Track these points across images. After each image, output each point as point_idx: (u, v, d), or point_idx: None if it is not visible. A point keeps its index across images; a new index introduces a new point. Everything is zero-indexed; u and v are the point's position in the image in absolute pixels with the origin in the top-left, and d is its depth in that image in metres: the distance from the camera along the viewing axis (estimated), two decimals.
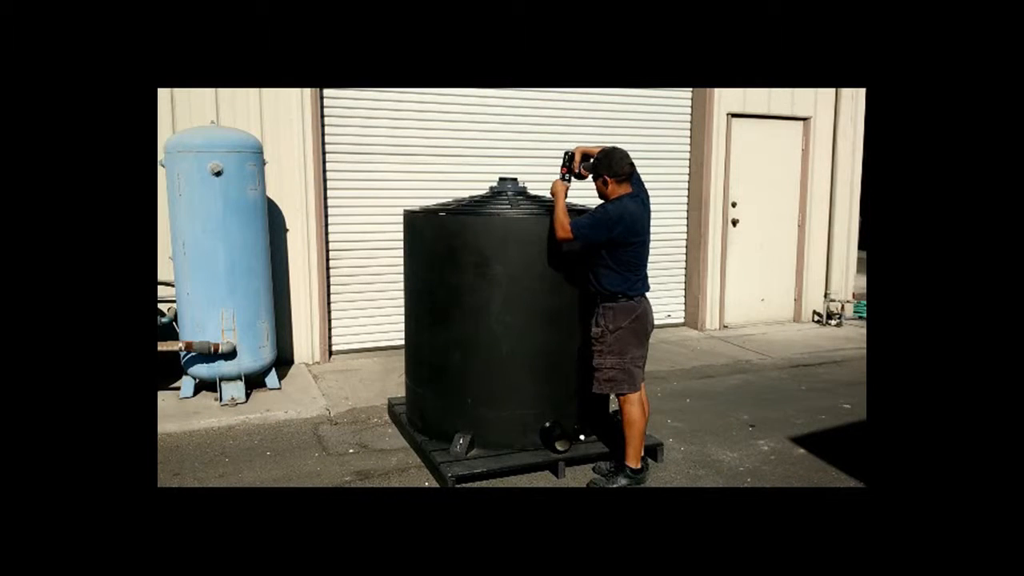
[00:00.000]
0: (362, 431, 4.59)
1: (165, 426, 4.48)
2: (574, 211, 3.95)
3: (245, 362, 4.94)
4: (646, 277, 3.68)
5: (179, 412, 4.74)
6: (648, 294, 3.70)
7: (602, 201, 3.66)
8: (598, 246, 3.56)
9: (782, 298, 7.83)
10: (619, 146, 3.71)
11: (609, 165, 3.57)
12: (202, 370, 4.91)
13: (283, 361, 5.75)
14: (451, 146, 6.39)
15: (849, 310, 7.94)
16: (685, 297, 7.57)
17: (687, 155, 7.38)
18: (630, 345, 3.61)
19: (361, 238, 6.20)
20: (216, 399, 4.92)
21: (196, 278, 4.80)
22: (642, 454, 3.73)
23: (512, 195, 4.12)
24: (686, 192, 7.44)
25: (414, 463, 4.08)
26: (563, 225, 3.57)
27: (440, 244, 3.95)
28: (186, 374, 5.01)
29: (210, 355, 4.82)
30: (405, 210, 4.30)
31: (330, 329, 6.20)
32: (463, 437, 3.90)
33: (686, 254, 7.52)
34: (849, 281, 8.07)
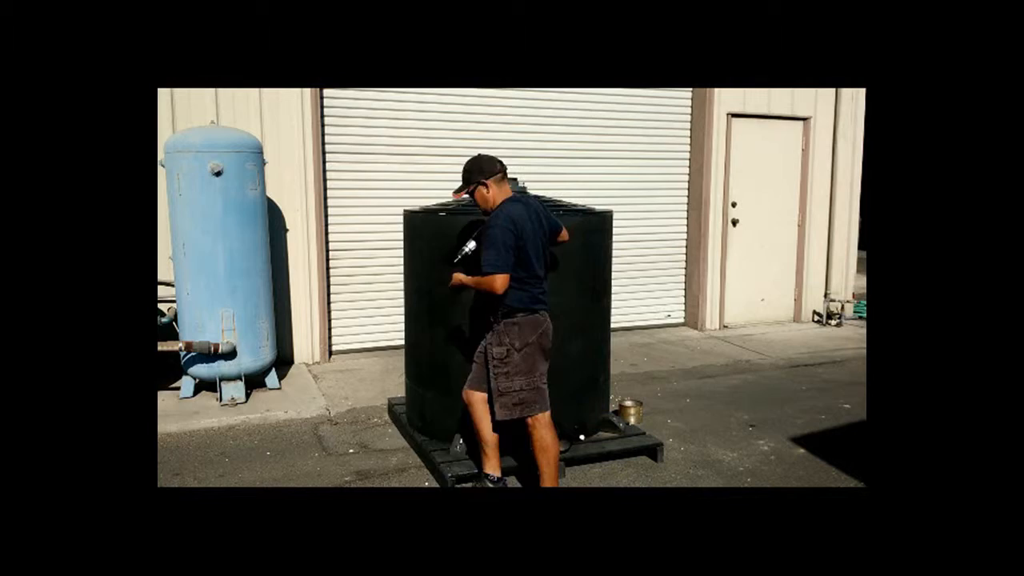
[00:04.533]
0: (362, 431, 4.59)
1: (165, 426, 4.48)
2: (565, 210, 3.96)
3: (245, 362, 4.94)
4: (547, 292, 3.39)
5: (179, 412, 4.74)
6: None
7: (487, 215, 3.34)
8: (516, 262, 3.21)
9: (782, 298, 7.84)
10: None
11: (480, 169, 3.32)
12: (202, 370, 4.91)
13: (283, 361, 5.75)
14: (451, 146, 6.39)
15: (849, 310, 7.95)
16: (685, 297, 7.57)
17: (687, 155, 7.38)
18: (538, 362, 3.35)
19: (361, 238, 6.21)
20: (216, 399, 4.93)
21: (196, 278, 4.80)
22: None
23: None
24: (686, 192, 7.44)
25: (414, 463, 4.08)
26: (480, 281, 3.22)
27: (440, 244, 3.95)
28: (186, 374, 5.01)
29: (210, 355, 4.82)
30: (405, 210, 4.30)
31: (330, 329, 6.20)
32: (463, 437, 3.90)
33: (686, 254, 7.52)
34: (849, 281, 8.07)
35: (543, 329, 3.35)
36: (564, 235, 3.56)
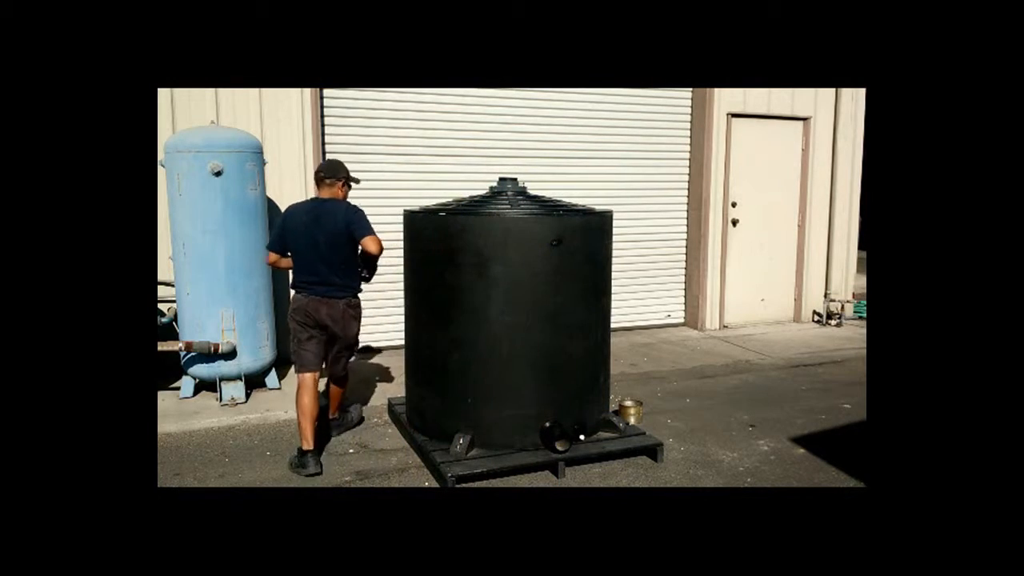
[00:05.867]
0: (362, 431, 4.59)
1: (165, 426, 4.48)
2: (565, 210, 3.96)
3: (245, 362, 4.94)
4: (323, 283, 3.99)
5: (179, 412, 4.74)
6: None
7: None
8: (284, 247, 4.09)
9: (782, 298, 7.83)
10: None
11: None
12: (202, 370, 4.91)
13: (283, 361, 5.73)
14: (451, 146, 6.39)
15: (849, 310, 7.94)
16: (685, 297, 7.57)
17: (687, 155, 7.38)
18: (295, 329, 4.08)
19: None
20: (216, 399, 4.93)
21: (196, 278, 4.80)
22: (309, 444, 3.94)
23: (512, 195, 4.12)
24: (686, 192, 7.44)
25: (414, 463, 4.08)
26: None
27: (440, 244, 3.95)
28: (186, 374, 5.01)
29: (210, 355, 4.82)
30: (405, 210, 4.31)
31: None
32: (463, 437, 3.90)
33: (686, 254, 7.52)
34: (849, 281, 8.07)
35: (297, 306, 4.06)
36: (367, 244, 3.98)
